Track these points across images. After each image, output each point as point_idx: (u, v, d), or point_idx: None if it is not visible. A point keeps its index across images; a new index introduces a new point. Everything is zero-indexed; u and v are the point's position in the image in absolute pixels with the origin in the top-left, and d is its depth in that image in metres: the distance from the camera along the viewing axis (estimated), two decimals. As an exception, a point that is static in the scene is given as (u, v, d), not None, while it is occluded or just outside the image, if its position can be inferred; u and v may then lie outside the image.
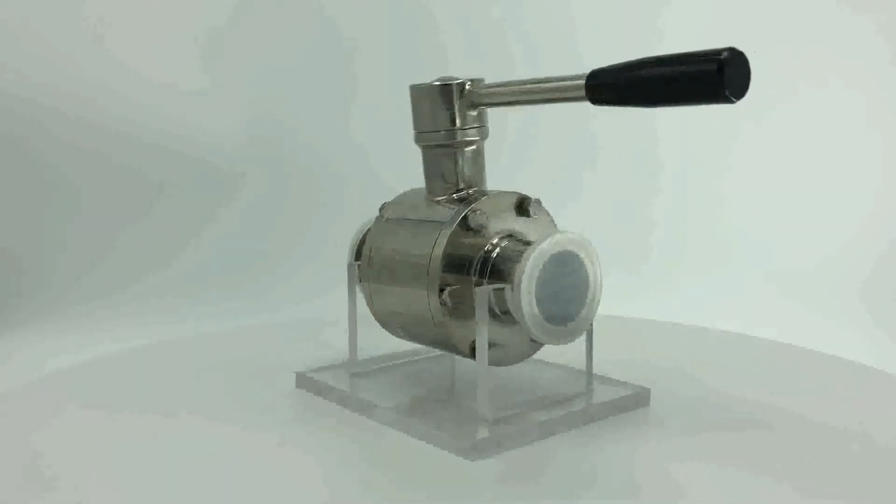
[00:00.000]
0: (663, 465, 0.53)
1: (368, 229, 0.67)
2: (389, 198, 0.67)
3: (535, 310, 0.55)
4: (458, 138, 0.61)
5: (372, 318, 0.66)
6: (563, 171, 1.60)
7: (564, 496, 0.49)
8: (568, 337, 0.57)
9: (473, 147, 0.62)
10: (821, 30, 1.62)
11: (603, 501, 0.48)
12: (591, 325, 0.61)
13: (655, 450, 0.56)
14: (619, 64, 0.49)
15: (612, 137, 1.60)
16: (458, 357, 0.73)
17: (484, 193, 0.61)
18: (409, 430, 0.58)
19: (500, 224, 0.60)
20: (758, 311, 1.34)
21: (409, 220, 0.63)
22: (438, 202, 0.62)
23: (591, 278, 0.58)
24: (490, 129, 0.63)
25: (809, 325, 1.27)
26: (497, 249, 0.59)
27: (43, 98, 1.49)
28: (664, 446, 0.56)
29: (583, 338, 0.61)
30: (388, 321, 0.65)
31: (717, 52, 0.44)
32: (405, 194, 0.66)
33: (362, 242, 0.68)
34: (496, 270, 0.58)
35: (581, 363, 0.64)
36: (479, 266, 0.59)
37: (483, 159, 0.63)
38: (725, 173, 1.62)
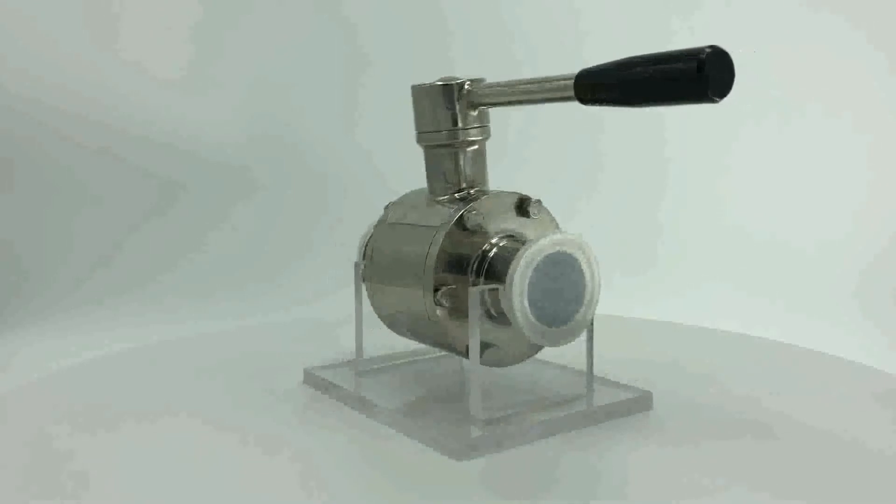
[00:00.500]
0: (662, 470, 0.52)
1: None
2: (396, 198, 0.68)
3: (528, 310, 0.54)
4: (459, 138, 0.61)
5: (382, 317, 0.67)
6: (564, 170, 1.59)
7: (553, 499, 0.48)
8: (564, 339, 0.57)
9: (475, 147, 0.62)
10: (821, 30, 1.61)
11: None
12: (592, 326, 0.61)
13: (654, 454, 0.55)
14: (606, 63, 0.48)
15: (613, 137, 1.59)
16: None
17: (485, 193, 0.61)
18: (404, 430, 0.58)
19: (500, 224, 0.60)
20: (758, 312, 1.33)
21: (409, 219, 0.63)
22: (438, 202, 0.62)
23: (588, 280, 0.58)
24: (492, 130, 0.63)
25: (810, 325, 1.26)
26: (494, 249, 0.59)
27: (43, 97, 1.48)
28: (664, 451, 0.55)
29: (584, 338, 0.61)
30: (391, 321, 0.66)
31: (698, 51, 0.43)
32: (409, 194, 0.67)
33: (368, 242, 0.68)
34: (492, 271, 0.58)
35: (583, 363, 0.63)
36: (475, 266, 0.59)
37: (485, 159, 0.63)
38: (726, 173, 1.61)
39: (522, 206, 0.61)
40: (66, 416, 0.64)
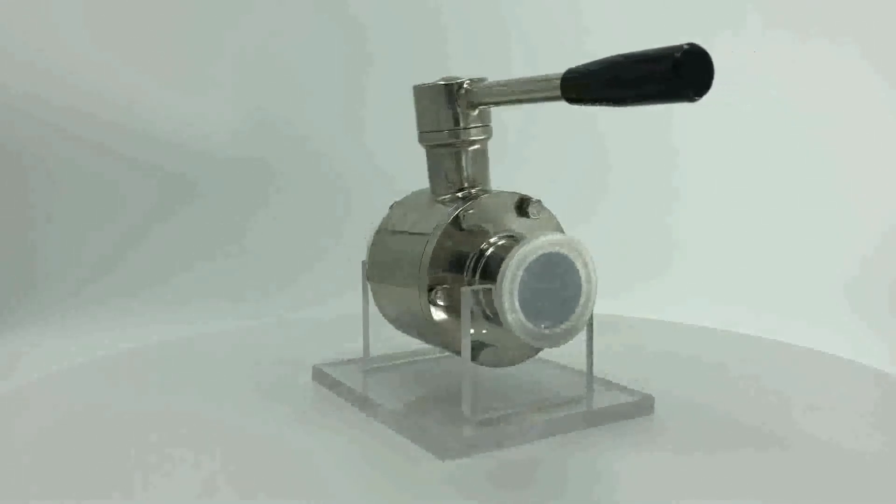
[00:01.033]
0: (659, 474, 0.52)
1: (382, 228, 0.68)
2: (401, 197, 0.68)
3: (518, 310, 0.54)
4: (460, 138, 0.61)
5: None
6: (565, 170, 1.57)
7: (545, 501, 0.48)
8: (556, 341, 0.56)
9: (476, 147, 0.62)
10: (821, 31, 1.59)
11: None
12: (592, 326, 0.60)
13: (652, 458, 0.54)
14: (591, 62, 0.48)
15: (614, 138, 1.57)
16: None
17: (486, 193, 0.61)
18: (400, 429, 0.59)
19: (500, 224, 0.60)
20: (759, 312, 1.30)
21: (409, 219, 0.63)
22: (439, 202, 0.62)
23: (584, 282, 0.57)
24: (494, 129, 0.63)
25: (809, 325, 1.24)
26: (491, 249, 0.59)
27: (43, 94, 1.48)
28: (662, 454, 0.55)
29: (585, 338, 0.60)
30: (393, 319, 0.66)
31: (673, 50, 0.42)
32: (413, 194, 0.67)
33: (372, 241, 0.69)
34: (487, 270, 0.58)
35: (585, 363, 0.63)
36: (472, 266, 0.59)
37: (486, 159, 0.63)
38: (727, 173, 1.59)
39: (522, 206, 0.61)
40: (67, 416, 0.64)
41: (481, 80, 0.61)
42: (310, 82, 1.59)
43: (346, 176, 1.56)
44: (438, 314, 0.58)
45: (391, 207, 0.68)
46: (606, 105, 0.47)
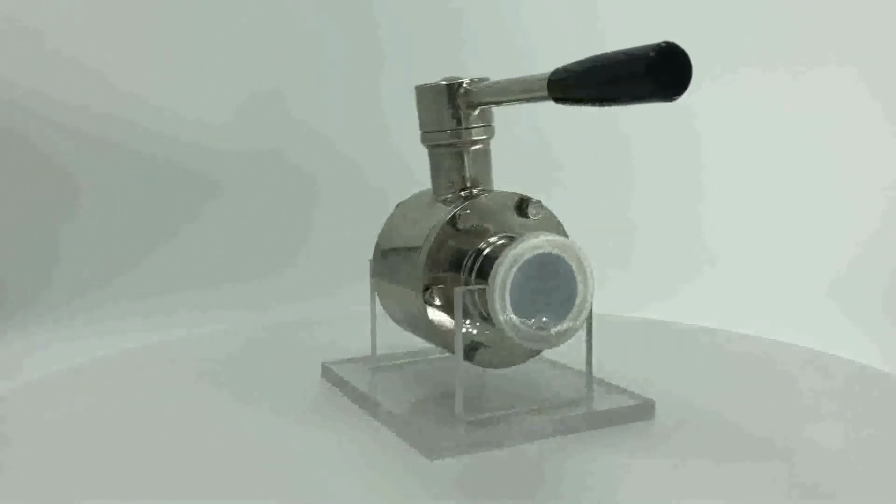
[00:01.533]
0: (657, 477, 0.51)
1: (390, 227, 0.69)
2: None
3: (509, 311, 0.54)
4: (461, 138, 0.61)
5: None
6: (566, 170, 1.56)
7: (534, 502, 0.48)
8: (551, 342, 0.56)
9: (477, 147, 0.62)
10: (823, 30, 1.56)
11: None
12: (591, 328, 0.59)
13: (650, 461, 0.53)
14: (575, 62, 0.47)
15: (617, 137, 1.56)
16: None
17: (486, 193, 0.61)
18: (394, 428, 0.59)
19: (499, 224, 0.60)
20: (759, 313, 1.28)
21: (410, 218, 0.64)
22: (440, 201, 0.62)
23: (580, 284, 0.56)
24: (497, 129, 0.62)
25: (810, 325, 1.22)
26: (488, 249, 0.59)
27: (38, 92, 1.50)
28: (660, 458, 0.54)
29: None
30: (396, 318, 0.66)
31: (648, 49, 0.41)
32: (417, 194, 0.67)
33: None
34: (483, 271, 0.58)
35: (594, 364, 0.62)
36: (468, 266, 0.59)
37: (488, 159, 0.63)
38: (730, 174, 1.57)
39: (522, 206, 0.60)
40: (67, 416, 0.64)
41: (482, 80, 0.61)
42: (323, 78, 1.59)
43: (360, 173, 1.56)
44: (434, 314, 0.58)
45: (397, 207, 0.68)
46: (589, 105, 0.47)
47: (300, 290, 1.44)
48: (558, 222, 0.62)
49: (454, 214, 0.58)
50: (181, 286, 1.45)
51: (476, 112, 0.61)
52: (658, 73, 0.41)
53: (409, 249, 0.60)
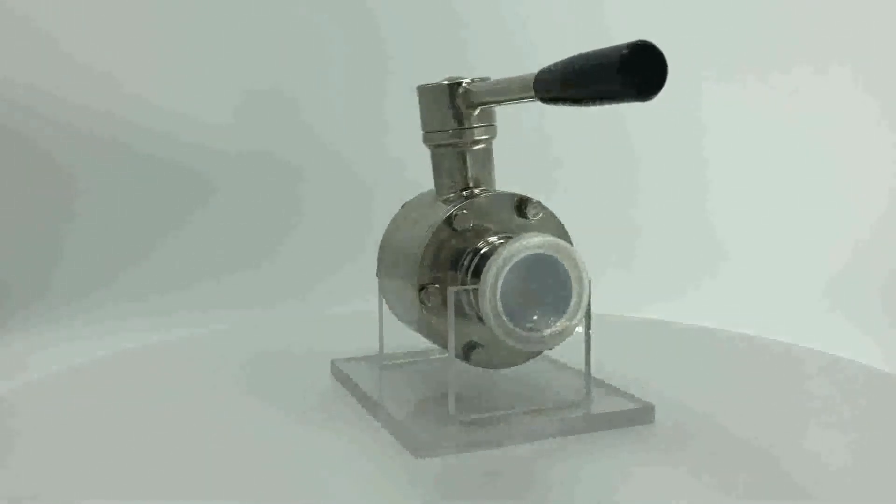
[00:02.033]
0: (654, 481, 0.51)
1: (398, 227, 0.69)
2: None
3: (500, 311, 0.54)
4: (462, 137, 0.61)
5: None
6: (566, 170, 1.53)
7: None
8: (544, 343, 0.56)
9: (479, 147, 0.62)
10: (823, 30, 1.53)
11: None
12: (589, 331, 0.59)
13: (649, 464, 0.53)
14: (557, 62, 0.47)
15: (618, 137, 1.53)
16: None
17: (487, 193, 0.61)
18: (391, 427, 0.59)
19: (500, 224, 0.60)
20: (759, 313, 1.26)
21: (411, 218, 0.64)
22: (441, 201, 0.62)
23: (574, 286, 0.56)
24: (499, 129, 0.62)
25: (809, 325, 1.19)
26: (485, 249, 0.58)
27: (38, 91, 1.49)
28: (659, 461, 0.53)
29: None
30: (401, 317, 0.67)
31: (621, 47, 0.41)
32: (423, 193, 0.68)
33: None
34: (479, 271, 0.57)
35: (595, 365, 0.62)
36: (465, 265, 0.59)
37: (490, 159, 0.63)
38: (729, 173, 1.54)
39: (521, 206, 0.60)
40: (67, 416, 0.65)
41: (483, 79, 0.61)
42: (330, 80, 1.58)
43: (369, 173, 1.55)
44: (430, 313, 0.59)
45: (402, 206, 0.68)
46: (568, 105, 0.46)
47: (300, 290, 1.44)
48: (559, 222, 0.61)
49: (451, 214, 0.58)
50: (181, 286, 1.44)
51: (477, 112, 0.61)
52: (631, 71, 0.40)
53: (409, 249, 0.61)
